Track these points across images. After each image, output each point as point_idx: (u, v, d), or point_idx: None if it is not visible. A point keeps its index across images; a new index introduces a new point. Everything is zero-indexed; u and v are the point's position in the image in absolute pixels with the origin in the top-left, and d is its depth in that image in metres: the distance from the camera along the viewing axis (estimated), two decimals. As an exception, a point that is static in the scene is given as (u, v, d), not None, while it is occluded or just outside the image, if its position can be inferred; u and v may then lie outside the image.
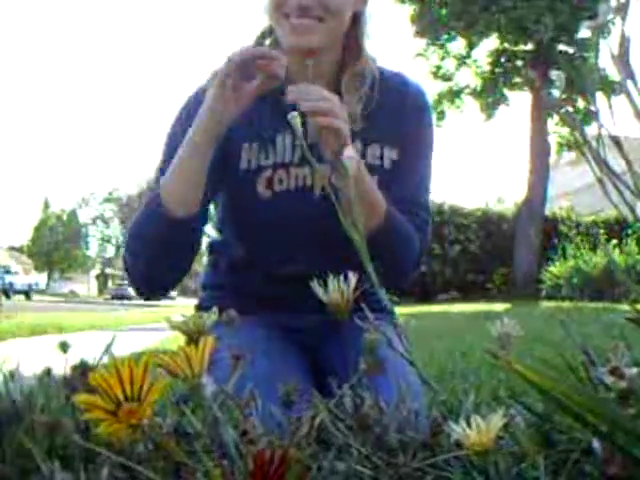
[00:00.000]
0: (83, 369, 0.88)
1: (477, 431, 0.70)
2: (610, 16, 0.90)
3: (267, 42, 1.62)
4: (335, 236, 1.16)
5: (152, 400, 0.66)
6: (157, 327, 12.32)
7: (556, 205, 19.07)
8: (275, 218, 1.58)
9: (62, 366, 0.91)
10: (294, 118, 1.23)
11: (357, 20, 1.59)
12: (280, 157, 1.57)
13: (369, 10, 1.61)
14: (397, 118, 1.62)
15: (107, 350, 1.00)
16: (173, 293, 70.96)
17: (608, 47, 0.88)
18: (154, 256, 1.50)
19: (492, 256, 17.25)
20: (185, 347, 0.69)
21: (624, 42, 0.87)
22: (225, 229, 1.75)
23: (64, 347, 0.95)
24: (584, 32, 16.30)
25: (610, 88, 0.92)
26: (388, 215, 1.50)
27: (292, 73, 1.49)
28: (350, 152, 1.14)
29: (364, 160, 1.55)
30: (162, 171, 1.52)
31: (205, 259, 1.89)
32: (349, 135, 1.37)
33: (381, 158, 1.60)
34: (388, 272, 1.63)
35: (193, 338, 0.82)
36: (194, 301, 1.87)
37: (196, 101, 1.56)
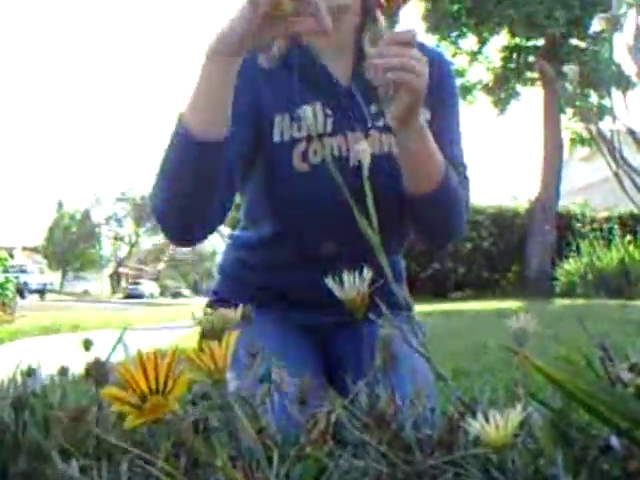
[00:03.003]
0: (99, 365, 0.88)
1: (495, 427, 0.70)
2: (623, 9, 0.90)
3: None
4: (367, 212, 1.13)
5: (177, 394, 0.66)
6: (171, 326, 12.35)
7: (569, 201, 18.99)
8: (311, 190, 1.54)
9: (78, 364, 0.91)
10: (305, 112, 1.22)
11: None
12: (313, 128, 1.54)
13: None
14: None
15: (117, 345, 1.00)
16: (186, 292, 71.20)
17: (622, 40, 0.88)
18: (187, 190, 1.40)
19: (505, 253, 17.18)
20: (209, 342, 0.69)
21: (638, 34, 0.86)
22: (254, 209, 1.70)
23: (87, 345, 0.95)
24: (596, 26, 16.27)
25: (625, 82, 0.92)
26: (446, 170, 1.50)
27: (317, 40, 1.47)
28: (364, 145, 1.13)
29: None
30: None
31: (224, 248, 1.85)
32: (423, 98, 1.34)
33: None
34: (440, 230, 1.64)
35: (216, 334, 0.82)
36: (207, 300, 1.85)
37: None
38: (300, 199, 1.56)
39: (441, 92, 1.63)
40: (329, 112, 1.55)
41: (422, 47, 1.67)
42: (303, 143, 1.54)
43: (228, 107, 1.34)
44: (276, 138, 1.54)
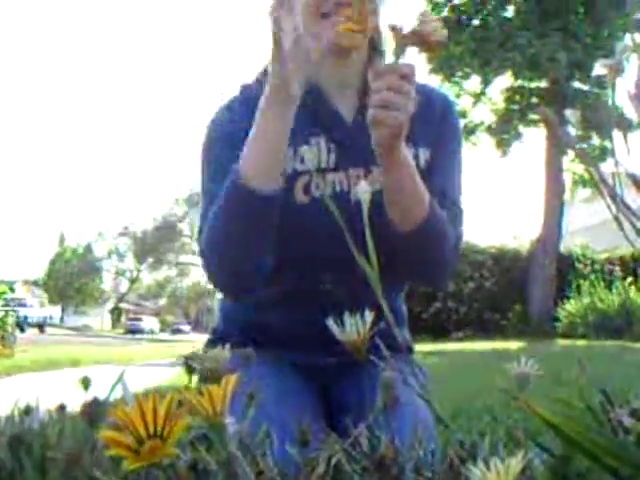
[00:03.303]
0: (97, 405, 0.88)
1: (496, 475, 0.69)
2: (626, 54, 0.90)
3: None
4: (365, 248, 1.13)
5: (175, 437, 0.65)
6: (171, 362, 12.30)
7: (571, 242, 18.99)
8: (311, 222, 1.53)
9: (77, 400, 0.91)
10: (308, 147, 1.22)
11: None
12: (316, 162, 1.54)
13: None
14: (426, 120, 1.60)
15: (115, 385, 1.00)
16: (186, 328, 70.92)
17: (624, 85, 0.89)
18: (244, 242, 1.43)
19: (507, 293, 17.16)
20: (208, 385, 0.69)
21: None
22: None
23: (85, 383, 0.95)
24: (598, 69, 16.40)
25: (626, 125, 0.92)
26: (431, 206, 1.48)
27: (324, 76, 1.49)
28: (364, 185, 1.14)
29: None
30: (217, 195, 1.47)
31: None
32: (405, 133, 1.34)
33: (416, 158, 1.58)
34: (426, 267, 1.63)
35: (210, 376, 0.82)
36: (207, 336, 1.84)
37: (226, 116, 1.58)
38: (299, 230, 1.55)
39: (443, 132, 1.64)
40: (332, 147, 1.56)
41: (425, 88, 1.68)
42: (306, 176, 1.54)
43: (284, 157, 1.40)
44: None
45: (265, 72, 1.61)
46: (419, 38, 1.29)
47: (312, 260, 1.58)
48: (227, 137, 1.53)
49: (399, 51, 1.29)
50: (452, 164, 1.67)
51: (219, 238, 1.45)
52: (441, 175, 1.61)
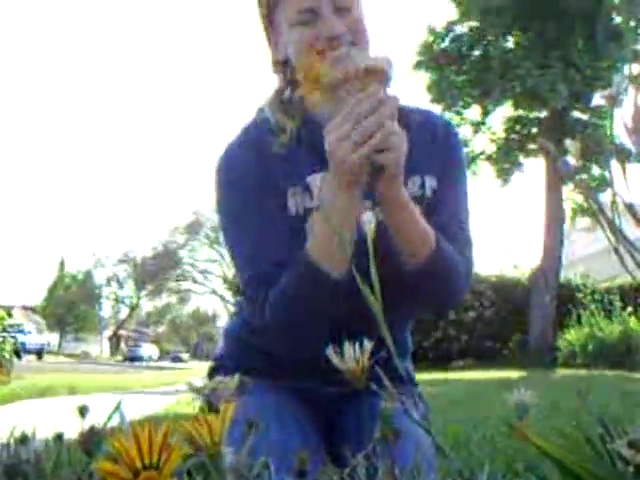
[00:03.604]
0: (94, 434, 0.87)
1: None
2: (624, 86, 0.91)
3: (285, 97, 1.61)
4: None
5: (170, 468, 0.65)
6: (170, 390, 12.25)
7: (570, 271, 18.99)
8: None
9: (74, 429, 0.90)
10: (314, 180, 1.23)
11: None
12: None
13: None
14: (431, 148, 1.62)
15: (112, 414, 0.99)
16: (185, 356, 70.69)
17: (621, 117, 0.89)
18: (312, 319, 1.47)
19: (507, 322, 17.15)
20: (205, 414, 0.69)
21: (637, 113, 0.88)
22: None
23: (82, 412, 0.94)
24: (597, 100, 16.51)
25: (625, 156, 0.93)
26: (437, 243, 1.49)
27: (326, 110, 1.50)
28: (369, 215, 1.14)
29: (407, 191, 1.51)
30: (253, 243, 1.53)
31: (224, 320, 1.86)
32: (402, 171, 1.36)
33: (422, 187, 1.59)
34: (437, 299, 1.64)
35: (213, 405, 0.81)
36: (206, 364, 1.85)
37: (237, 159, 1.60)
38: None
39: (448, 160, 1.65)
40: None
41: (429, 114, 1.69)
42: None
43: (352, 239, 1.40)
44: (291, 211, 1.55)
45: (262, 110, 1.63)
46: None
47: None
48: (234, 185, 1.56)
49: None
50: (458, 192, 1.67)
51: (286, 319, 1.47)
52: (448, 204, 1.62)
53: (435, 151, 1.63)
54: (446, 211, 1.59)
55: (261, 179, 1.55)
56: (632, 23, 16.22)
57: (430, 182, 1.60)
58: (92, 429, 0.85)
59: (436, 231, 1.50)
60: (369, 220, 1.12)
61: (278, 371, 1.61)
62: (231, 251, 1.59)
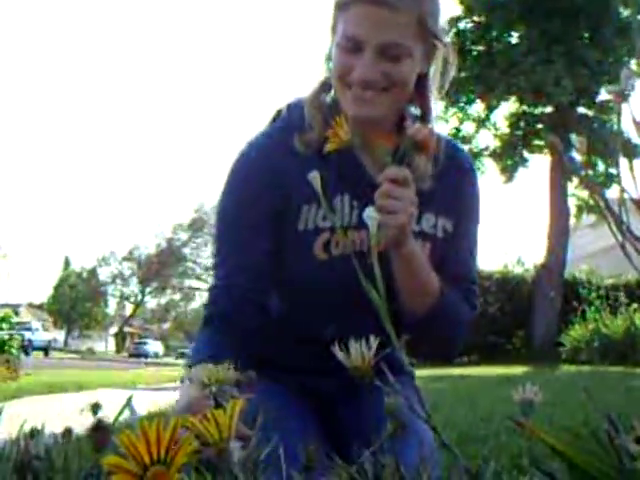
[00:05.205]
0: (102, 429, 0.88)
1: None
2: (632, 81, 0.91)
3: (327, 98, 1.61)
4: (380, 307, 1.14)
5: (178, 463, 0.65)
6: (175, 386, 12.26)
7: (576, 268, 18.93)
8: (325, 279, 1.55)
9: (81, 425, 0.91)
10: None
11: (421, 81, 1.57)
12: (339, 219, 1.54)
13: (435, 67, 1.60)
14: (453, 191, 1.62)
15: (123, 409, 1.00)
16: (188, 352, 70.53)
17: (629, 111, 0.89)
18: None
19: (512, 319, 17.09)
20: (214, 410, 0.69)
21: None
22: None
23: (95, 408, 0.95)
24: (603, 95, 16.44)
25: (632, 151, 0.93)
26: (441, 294, 1.51)
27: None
28: (372, 212, 1.14)
29: (419, 227, 1.55)
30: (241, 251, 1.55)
31: None
32: (410, 230, 1.39)
33: (435, 227, 1.60)
34: (438, 346, 1.65)
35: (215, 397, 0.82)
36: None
37: (248, 168, 1.60)
38: (312, 286, 1.57)
39: (463, 203, 1.65)
40: (356, 204, 1.55)
41: (449, 147, 1.66)
42: (327, 233, 1.54)
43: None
44: (300, 226, 1.55)
45: (294, 106, 1.62)
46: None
47: (320, 313, 1.59)
48: (234, 194, 1.59)
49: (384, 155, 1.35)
50: (472, 237, 1.68)
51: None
52: (461, 250, 1.64)
53: (456, 195, 1.63)
54: (457, 257, 1.62)
55: (266, 194, 1.56)
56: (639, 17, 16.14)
57: (443, 223, 1.61)
58: (100, 425, 0.86)
59: (443, 274, 1.53)
60: (371, 215, 1.12)
61: (278, 368, 1.61)
62: (215, 251, 1.61)
